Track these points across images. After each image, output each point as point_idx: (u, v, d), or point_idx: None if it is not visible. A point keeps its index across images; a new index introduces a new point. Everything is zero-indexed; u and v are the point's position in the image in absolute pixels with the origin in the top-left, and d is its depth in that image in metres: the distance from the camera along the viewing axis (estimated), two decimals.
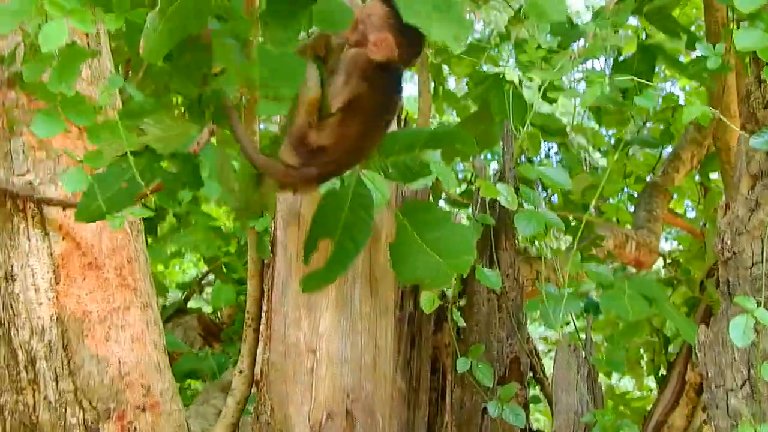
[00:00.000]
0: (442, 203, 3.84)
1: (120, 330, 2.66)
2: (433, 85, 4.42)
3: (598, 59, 3.58)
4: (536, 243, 3.68)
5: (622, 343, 3.57)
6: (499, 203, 3.04)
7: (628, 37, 4.45)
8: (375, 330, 2.59)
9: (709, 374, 2.40)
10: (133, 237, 2.79)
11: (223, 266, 4.25)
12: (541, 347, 5.70)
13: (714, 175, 4.72)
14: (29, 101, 2.67)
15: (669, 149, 4.72)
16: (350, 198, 2.28)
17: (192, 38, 1.95)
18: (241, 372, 2.84)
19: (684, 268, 4.53)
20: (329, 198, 2.30)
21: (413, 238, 2.27)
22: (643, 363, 4.68)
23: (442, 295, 3.21)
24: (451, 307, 3.25)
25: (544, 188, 4.32)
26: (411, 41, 1.96)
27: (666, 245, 5.60)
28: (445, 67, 4.63)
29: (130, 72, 3.38)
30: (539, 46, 3.10)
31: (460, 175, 4.47)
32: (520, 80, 3.59)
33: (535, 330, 5.85)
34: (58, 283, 2.61)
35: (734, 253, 2.43)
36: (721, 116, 2.55)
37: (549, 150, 5.28)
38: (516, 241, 3.45)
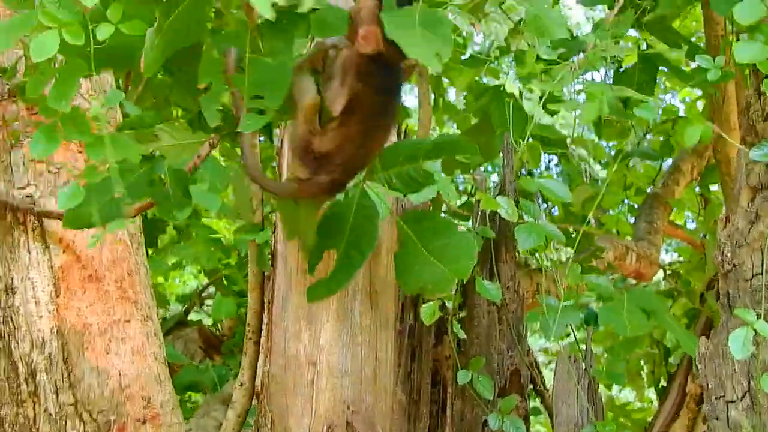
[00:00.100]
0: (442, 216, 3.83)
1: (120, 342, 2.65)
2: (433, 96, 4.42)
3: (598, 71, 3.58)
4: (536, 255, 3.68)
5: (623, 354, 3.56)
6: (500, 216, 3.04)
7: (628, 48, 4.46)
8: (375, 342, 2.59)
9: (710, 386, 2.40)
10: (133, 249, 2.79)
11: (223, 279, 4.24)
12: (541, 359, 5.70)
13: (714, 187, 4.73)
14: (30, 114, 2.68)
15: (669, 161, 4.73)
16: (354, 209, 2.28)
17: (191, 50, 1.96)
18: (241, 384, 2.84)
19: (684, 279, 4.53)
20: (334, 209, 2.31)
21: (418, 249, 2.27)
22: (643, 374, 4.68)
23: (443, 307, 3.21)
24: (451, 320, 3.25)
25: (545, 200, 4.33)
26: None
27: (666, 257, 5.61)
28: (445, 79, 4.64)
29: (129, 86, 3.38)
30: (539, 58, 3.10)
31: (460, 188, 4.47)
32: (520, 92, 3.60)
33: (536, 342, 5.84)
34: (58, 296, 2.61)
35: (734, 265, 2.43)
36: (721, 132, 2.55)
37: (549, 162, 5.29)
38: (516, 254, 3.45)
